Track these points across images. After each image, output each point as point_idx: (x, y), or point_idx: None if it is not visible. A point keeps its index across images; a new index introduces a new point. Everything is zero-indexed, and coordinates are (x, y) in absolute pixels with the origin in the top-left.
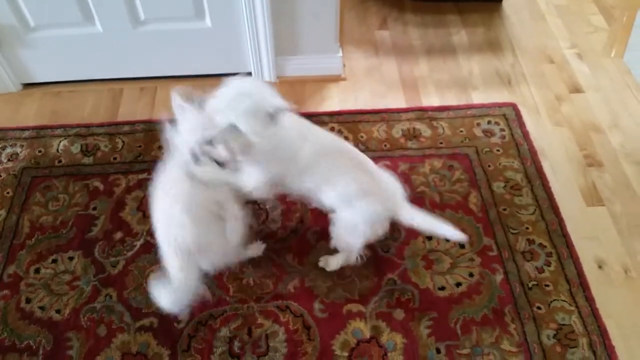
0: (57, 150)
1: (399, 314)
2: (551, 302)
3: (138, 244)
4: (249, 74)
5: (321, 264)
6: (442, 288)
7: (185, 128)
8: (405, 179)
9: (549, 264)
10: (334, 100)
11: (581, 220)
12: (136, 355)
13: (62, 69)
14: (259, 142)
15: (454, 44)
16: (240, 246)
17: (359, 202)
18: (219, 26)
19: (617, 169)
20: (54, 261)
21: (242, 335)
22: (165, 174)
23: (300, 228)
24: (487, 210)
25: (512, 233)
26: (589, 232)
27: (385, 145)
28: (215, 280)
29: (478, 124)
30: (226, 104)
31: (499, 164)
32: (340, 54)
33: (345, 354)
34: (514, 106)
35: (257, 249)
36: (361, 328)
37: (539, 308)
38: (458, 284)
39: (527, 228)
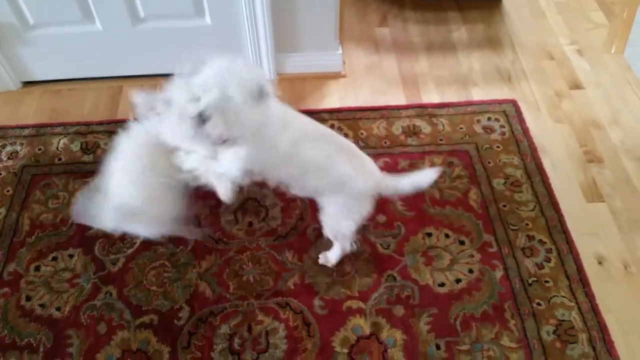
0: (57, 148)
1: (399, 310)
2: (551, 298)
3: (138, 241)
4: None
5: (321, 261)
6: (442, 284)
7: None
8: None
9: (548, 260)
10: (334, 98)
11: (581, 217)
12: (136, 352)
13: (62, 67)
14: (249, 118)
15: (454, 40)
16: (178, 222)
17: (348, 183)
18: (219, 23)
19: (617, 165)
20: (54, 259)
21: (242, 332)
22: (131, 138)
23: (300, 225)
24: (487, 207)
25: (512, 229)
26: (589, 228)
27: (385, 142)
28: (215, 278)
29: (478, 121)
30: (215, 77)
31: (499, 160)
32: (340, 51)
33: (345, 350)
34: (514, 103)
35: (193, 232)
36: (361, 324)
37: (538, 304)
38: (458, 280)
39: (527, 224)
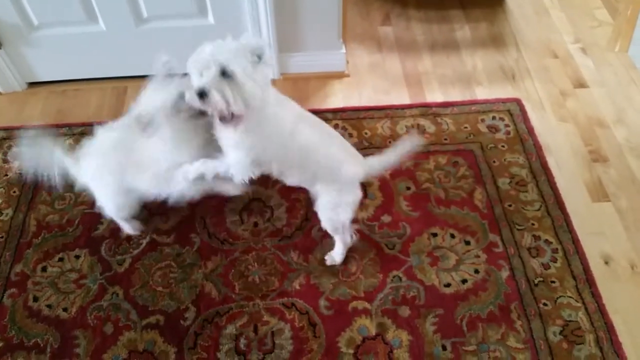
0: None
1: (405, 311)
2: (557, 298)
3: (144, 242)
4: None
5: (328, 262)
6: (448, 285)
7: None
8: (410, 175)
9: (555, 260)
10: (338, 97)
11: (587, 216)
12: (143, 352)
13: (66, 68)
14: (252, 88)
15: (457, 39)
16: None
17: (339, 167)
18: (222, 23)
19: (622, 163)
20: (61, 260)
21: (248, 333)
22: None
23: (305, 225)
24: (492, 207)
25: (517, 229)
26: (595, 227)
27: (389, 142)
28: (221, 278)
29: (482, 120)
30: (209, 53)
31: (504, 159)
32: (344, 50)
33: (351, 351)
34: (518, 101)
35: (134, 226)
36: (367, 325)
37: (545, 304)
38: (464, 281)
39: (532, 224)
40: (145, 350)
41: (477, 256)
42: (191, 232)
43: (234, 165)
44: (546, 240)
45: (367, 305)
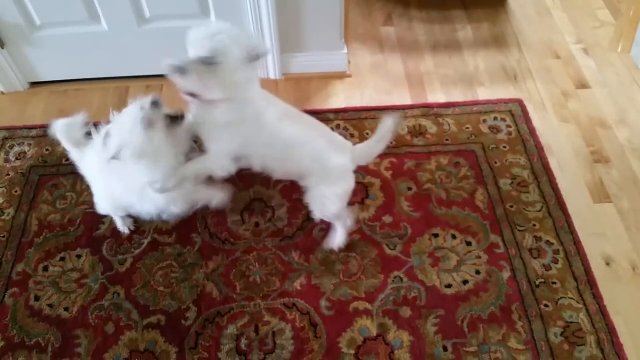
0: (65, 149)
1: (406, 312)
2: (559, 299)
3: (145, 241)
4: None
5: (328, 247)
6: (449, 286)
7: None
8: (411, 176)
9: (556, 262)
10: (340, 98)
11: (588, 217)
12: (144, 352)
13: (69, 68)
14: (232, 81)
15: (459, 39)
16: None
17: (327, 158)
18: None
19: (624, 165)
20: (62, 259)
21: (249, 333)
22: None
23: (307, 225)
24: (494, 207)
25: (519, 230)
26: (597, 228)
27: (391, 142)
28: (222, 278)
29: (484, 121)
30: (208, 35)
31: (506, 160)
32: (346, 50)
33: (352, 351)
34: (520, 102)
35: (127, 223)
36: (368, 326)
37: (546, 306)
38: (465, 282)
39: (534, 225)
40: (146, 350)
41: (479, 257)
42: (192, 232)
43: (214, 159)
44: (547, 242)
45: (368, 305)
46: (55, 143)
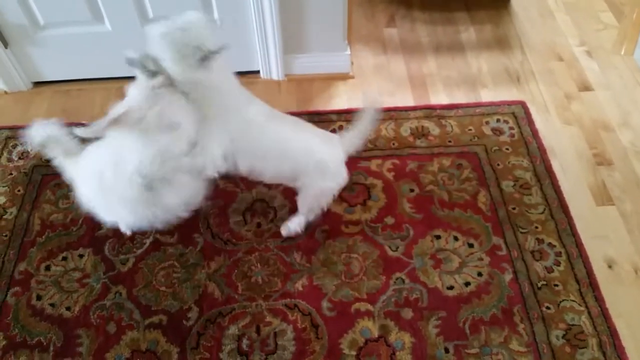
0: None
1: (407, 313)
2: (560, 302)
3: (147, 241)
4: (257, 72)
5: (284, 233)
6: (451, 287)
7: None
8: (414, 177)
9: (558, 264)
10: (342, 99)
11: (591, 220)
12: (145, 352)
13: (72, 67)
14: (182, 82)
15: (462, 41)
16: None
17: (324, 152)
18: (228, 24)
19: (627, 167)
20: (64, 259)
21: (251, 333)
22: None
23: (308, 226)
24: (496, 209)
25: (521, 232)
26: (599, 231)
27: (393, 144)
28: (224, 278)
29: (487, 122)
30: (163, 31)
31: (508, 162)
32: (348, 51)
33: (354, 352)
34: (523, 104)
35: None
36: (369, 327)
37: (548, 308)
38: (467, 284)
39: (536, 227)
40: (147, 349)
41: (481, 259)
42: (194, 232)
43: (205, 155)
44: (550, 244)
45: (369, 307)
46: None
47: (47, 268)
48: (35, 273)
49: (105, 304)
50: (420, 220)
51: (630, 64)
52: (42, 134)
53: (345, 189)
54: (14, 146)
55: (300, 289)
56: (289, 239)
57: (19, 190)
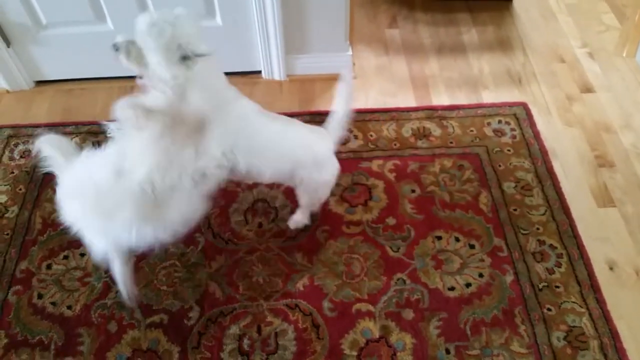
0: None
1: (408, 314)
2: (562, 303)
3: None
4: (259, 72)
5: (292, 226)
6: (452, 288)
7: None
8: (415, 178)
9: (559, 265)
10: None
11: (592, 221)
12: (146, 351)
13: (74, 67)
14: (159, 75)
15: (464, 42)
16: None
17: (319, 144)
18: (230, 25)
19: (628, 169)
20: (66, 257)
21: (252, 333)
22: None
23: (310, 226)
24: (497, 211)
25: (522, 233)
26: (600, 233)
27: (395, 144)
28: (225, 278)
29: (488, 124)
30: (151, 22)
31: (510, 163)
32: (350, 52)
33: (354, 353)
34: (524, 105)
35: (132, 292)
36: (370, 327)
37: (549, 309)
38: (468, 285)
39: (537, 229)
40: (149, 349)
41: (482, 260)
42: (196, 231)
43: (206, 158)
44: (551, 245)
45: (370, 307)
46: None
47: (49, 267)
48: (37, 272)
49: (107, 303)
50: (421, 221)
51: (632, 66)
52: (48, 146)
53: (346, 189)
54: (16, 145)
55: (302, 289)
56: (290, 238)
57: (20, 189)
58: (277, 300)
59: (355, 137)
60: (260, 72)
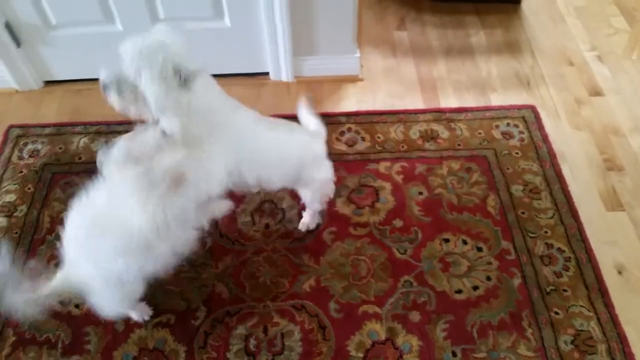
0: (78, 147)
1: (415, 316)
2: (569, 307)
3: None
4: (267, 73)
5: (303, 228)
6: (459, 291)
7: None
8: (422, 180)
9: (567, 269)
10: (351, 101)
11: (600, 225)
12: (153, 351)
13: (83, 67)
14: (162, 104)
15: (472, 45)
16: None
17: (316, 144)
18: (238, 26)
19: (637, 173)
20: None
21: (258, 334)
22: None
23: (317, 228)
24: (505, 214)
25: (530, 237)
26: (609, 237)
27: (402, 147)
28: (232, 278)
29: (497, 126)
30: (131, 51)
31: (518, 166)
32: (358, 54)
33: (361, 355)
34: (533, 108)
35: (143, 310)
36: (377, 329)
37: (556, 313)
38: (475, 287)
39: (545, 232)
40: (155, 348)
41: (489, 263)
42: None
43: (210, 178)
44: (559, 249)
45: (377, 309)
46: (68, 141)
47: (57, 265)
48: (45, 270)
49: None
50: (428, 223)
51: None
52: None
53: (353, 190)
54: (25, 144)
55: (308, 290)
56: (297, 239)
57: (29, 188)
58: (284, 301)
59: (363, 138)
60: (267, 73)
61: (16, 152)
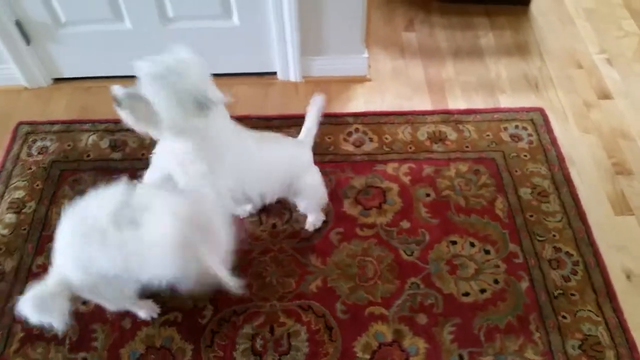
0: (86, 145)
1: (422, 319)
2: (577, 311)
3: None
4: (275, 73)
5: (311, 228)
6: (467, 294)
7: None
8: (430, 182)
9: (575, 273)
10: (359, 101)
11: (609, 229)
12: (160, 349)
13: (92, 65)
14: (177, 128)
15: (481, 46)
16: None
17: (304, 153)
18: (247, 25)
19: None
20: None
21: (265, 333)
22: None
23: (324, 228)
24: (513, 216)
25: (538, 240)
26: (617, 241)
27: (410, 148)
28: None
29: (505, 129)
30: (155, 73)
31: (526, 169)
32: (366, 54)
33: (367, 356)
34: (541, 111)
35: (149, 308)
36: (383, 331)
37: (564, 317)
38: (482, 290)
39: (554, 235)
40: (162, 346)
41: (497, 266)
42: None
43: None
44: (567, 253)
45: (384, 311)
46: (76, 139)
47: None
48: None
49: None
50: (436, 225)
51: None
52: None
53: (360, 191)
54: (34, 141)
55: (315, 290)
56: (304, 240)
57: (37, 185)
58: (290, 301)
59: (370, 139)
60: (275, 73)
61: (25, 149)
